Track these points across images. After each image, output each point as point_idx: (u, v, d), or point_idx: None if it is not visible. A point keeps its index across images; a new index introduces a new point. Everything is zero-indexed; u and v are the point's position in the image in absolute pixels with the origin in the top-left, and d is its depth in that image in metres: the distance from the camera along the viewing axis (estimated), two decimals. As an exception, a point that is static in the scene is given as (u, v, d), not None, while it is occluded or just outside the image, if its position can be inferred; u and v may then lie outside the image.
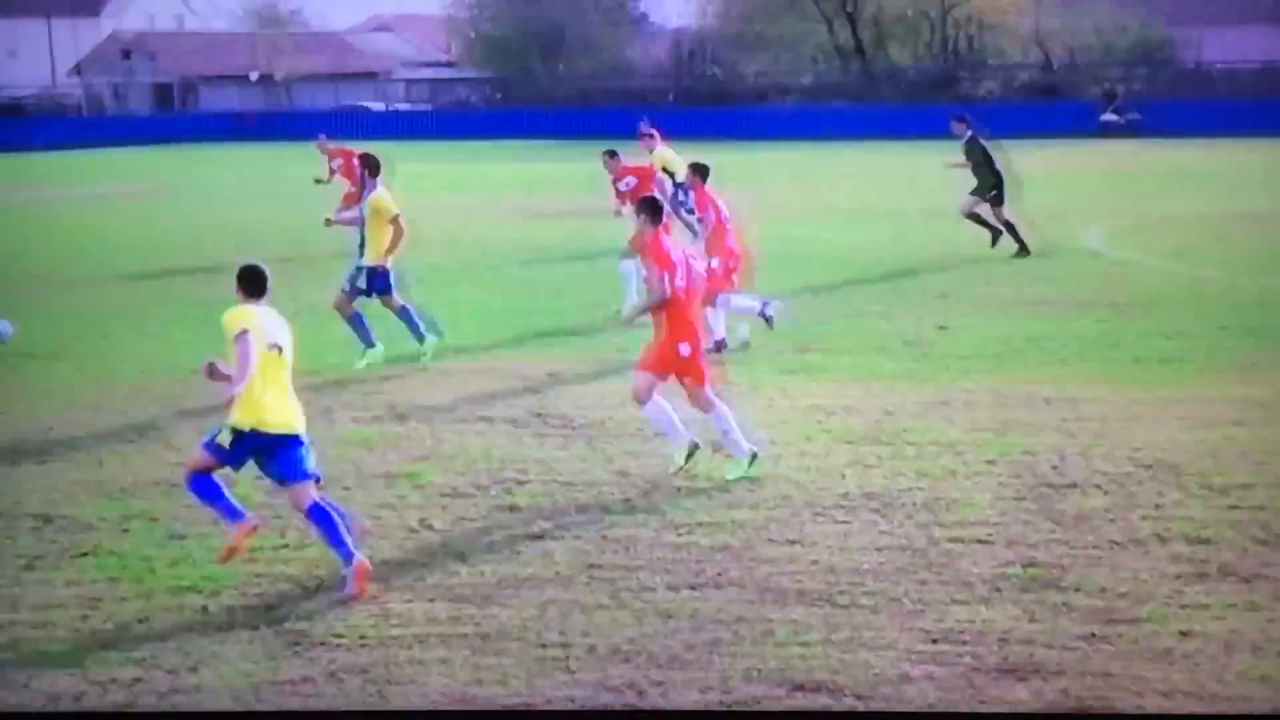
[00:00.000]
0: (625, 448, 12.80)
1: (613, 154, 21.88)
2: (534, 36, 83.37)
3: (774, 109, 76.18)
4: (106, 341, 18.46)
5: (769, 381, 15.48)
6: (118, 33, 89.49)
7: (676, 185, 28.15)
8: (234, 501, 9.71)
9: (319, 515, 9.50)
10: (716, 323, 16.74)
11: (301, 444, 9.54)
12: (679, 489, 11.64)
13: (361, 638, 8.78)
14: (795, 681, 8.16)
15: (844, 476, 11.90)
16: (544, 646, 8.65)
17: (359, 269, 16.59)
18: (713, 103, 75.91)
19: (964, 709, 7.90)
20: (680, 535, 10.56)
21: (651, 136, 23.52)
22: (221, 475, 9.70)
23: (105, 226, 33.55)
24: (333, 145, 29.17)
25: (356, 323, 16.57)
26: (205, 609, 9.27)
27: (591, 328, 18.83)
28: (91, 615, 9.19)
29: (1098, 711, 7.87)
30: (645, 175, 21.83)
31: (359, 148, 22.17)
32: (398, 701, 8.01)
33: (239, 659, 8.53)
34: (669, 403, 12.04)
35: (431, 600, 9.38)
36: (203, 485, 9.61)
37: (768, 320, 17.10)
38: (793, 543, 10.35)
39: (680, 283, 11.82)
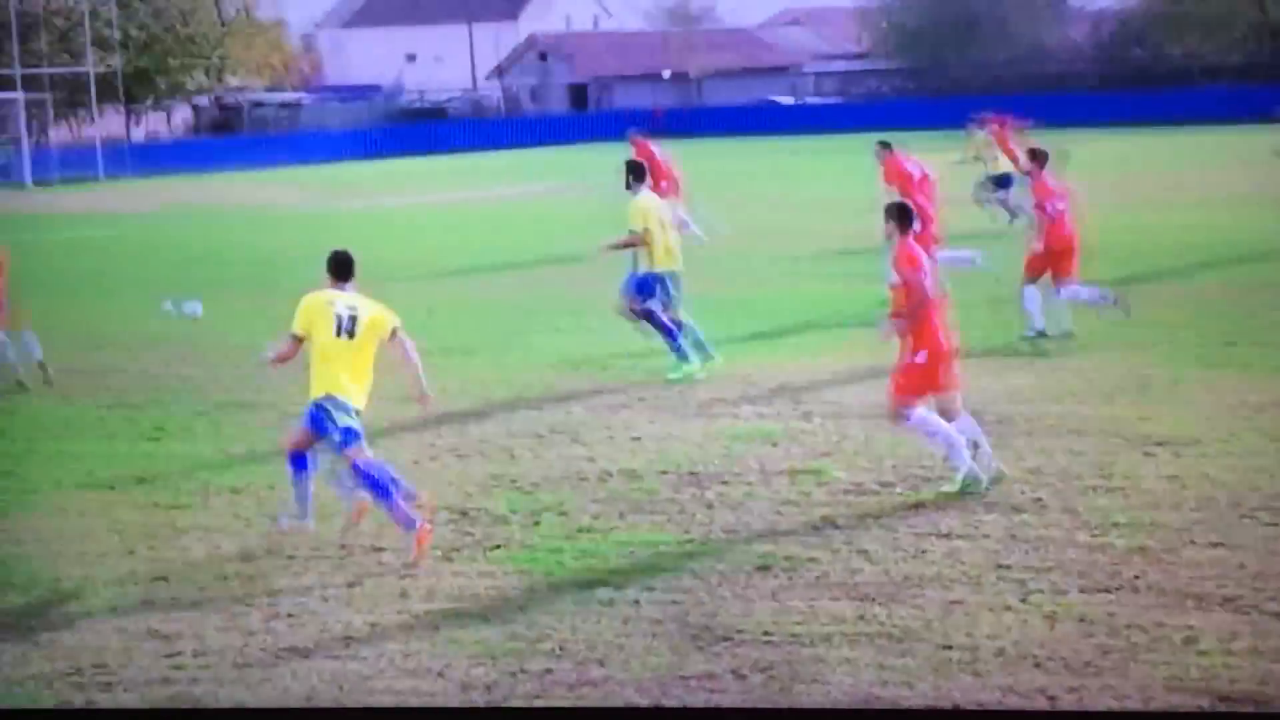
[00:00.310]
0: (1037, 444, 12.53)
1: (886, 145, 21.65)
2: (948, 25, 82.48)
3: (1201, 91, 73.08)
4: (520, 337, 19.08)
5: (1193, 377, 14.89)
6: (535, 35, 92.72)
7: (996, 177, 27.92)
8: (309, 495, 10.86)
9: (370, 479, 10.57)
10: (1034, 307, 16.87)
11: (353, 410, 10.69)
12: (1093, 488, 11.31)
13: (764, 634, 8.81)
14: (1220, 692, 7.84)
15: (1273, 477, 11.32)
16: (949, 648, 8.51)
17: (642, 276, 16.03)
18: (1135, 86, 73.41)
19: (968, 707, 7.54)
20: (1094, 536, 10.26)
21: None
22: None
23: (523, 222, 34.71)
24: (640, 139, 29.85)
25: (664, 332, 16.05)
26: (611, 602, 9.45)
27: (1003, 323, 18.46)
28: (509, 606, 9.46)
29: (1100, 710, 7.52)
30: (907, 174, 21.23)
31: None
32: (805, 701, 8.00)
33: (644, 653, 8.65)
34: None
35: (835, 599, 9.35)
36: (298, 463, 10.93)
37: (1123, 310, 16.88)
38: (1216, 545, 9.94)
39: (932, 288, 11.59)
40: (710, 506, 11.41)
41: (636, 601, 9.43)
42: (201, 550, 10.79)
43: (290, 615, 9.46)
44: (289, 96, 79.61)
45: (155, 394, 16.15)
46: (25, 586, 10.15)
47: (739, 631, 8.86)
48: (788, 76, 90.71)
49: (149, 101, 74.94)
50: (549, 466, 12.66)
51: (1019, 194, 25.88)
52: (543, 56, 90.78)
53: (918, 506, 11.11)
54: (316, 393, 10.72)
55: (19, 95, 56.84)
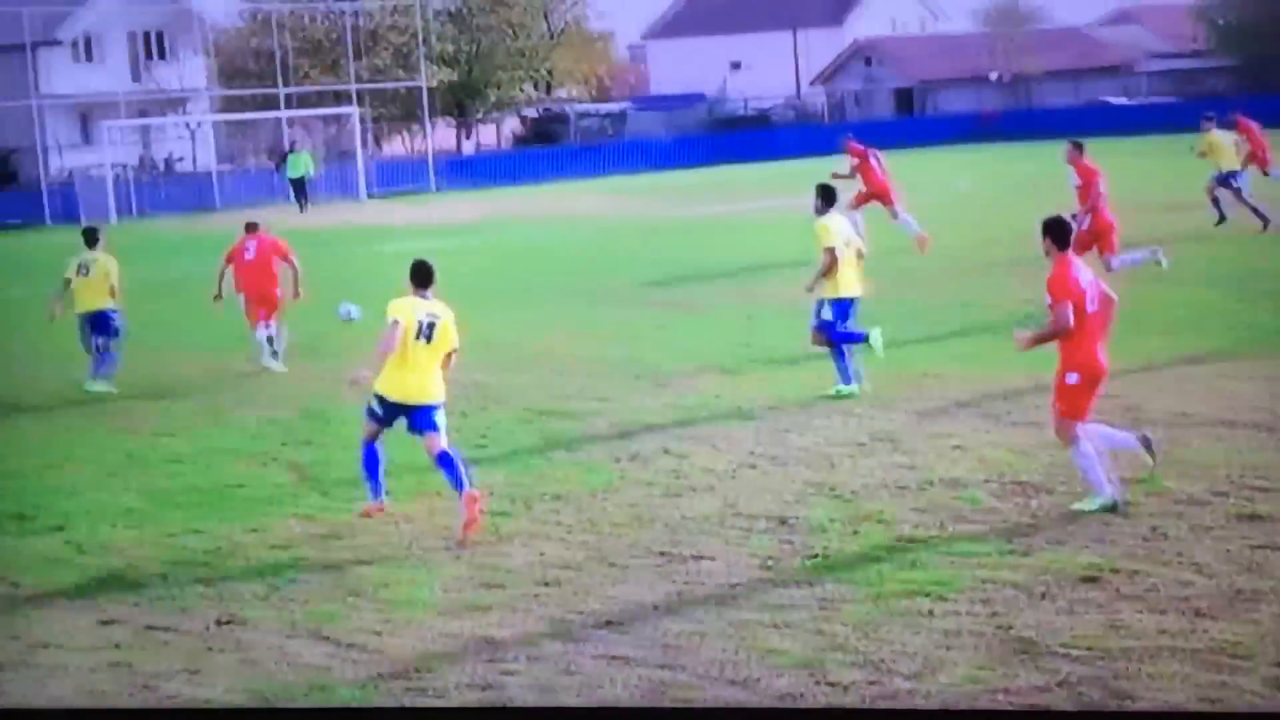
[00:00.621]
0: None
1: (1078, 146, 21.43)
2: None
3: None
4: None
5: None
6: (860, 40, 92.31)
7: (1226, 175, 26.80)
8: (381, 481, 12.08)
9: (444, 460, 11.83)
10: None
11: (434, 409, 11.98)
12: None
13: (1090, 648, 8.65)
14: None
15: None
16: (1284, 666, 8.22)
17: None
18: None
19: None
20: None
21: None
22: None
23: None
24: (854, 144, 29.75)
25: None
26: (931, 613, 9.38)
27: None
28: (829, 616, 9.48)
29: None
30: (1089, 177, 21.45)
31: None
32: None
33: (967, 665, 8.58)
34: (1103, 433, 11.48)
35: (1163, 612, 9.14)
36: (368, 454, 12.15)
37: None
38: None
39: (1091, 307, 11.34)
40: (1035, 516, 11.24)
41: (958, 613, 9.34)
42: (525, 557, 11.06)
43: (614, 623, 9.60)
44: (615, 107, 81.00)
45: (482, 402, 16.61)
46: (355, 590, 10.53)
47: (1064, 645, 8.71)
48: (1120, 76, 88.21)
49: (479, 114, 77.15)
50: (869, 475, 12.62)
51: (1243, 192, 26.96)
52: (868, 61, 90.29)
53: (1253, 518, 10.75)
54: (385, 388, 11.99)
55: (355, 110, 59.10)
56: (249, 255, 19.63)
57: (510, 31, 73.91)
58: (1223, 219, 26.97)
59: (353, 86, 60.38)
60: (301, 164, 50.55)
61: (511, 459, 14.00)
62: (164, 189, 55.19)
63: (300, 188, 50.10)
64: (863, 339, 16.10)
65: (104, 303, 18.61)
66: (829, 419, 14.85)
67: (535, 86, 79.75)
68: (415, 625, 9.75)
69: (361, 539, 11.71)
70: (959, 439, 13.59)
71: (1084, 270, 11.59)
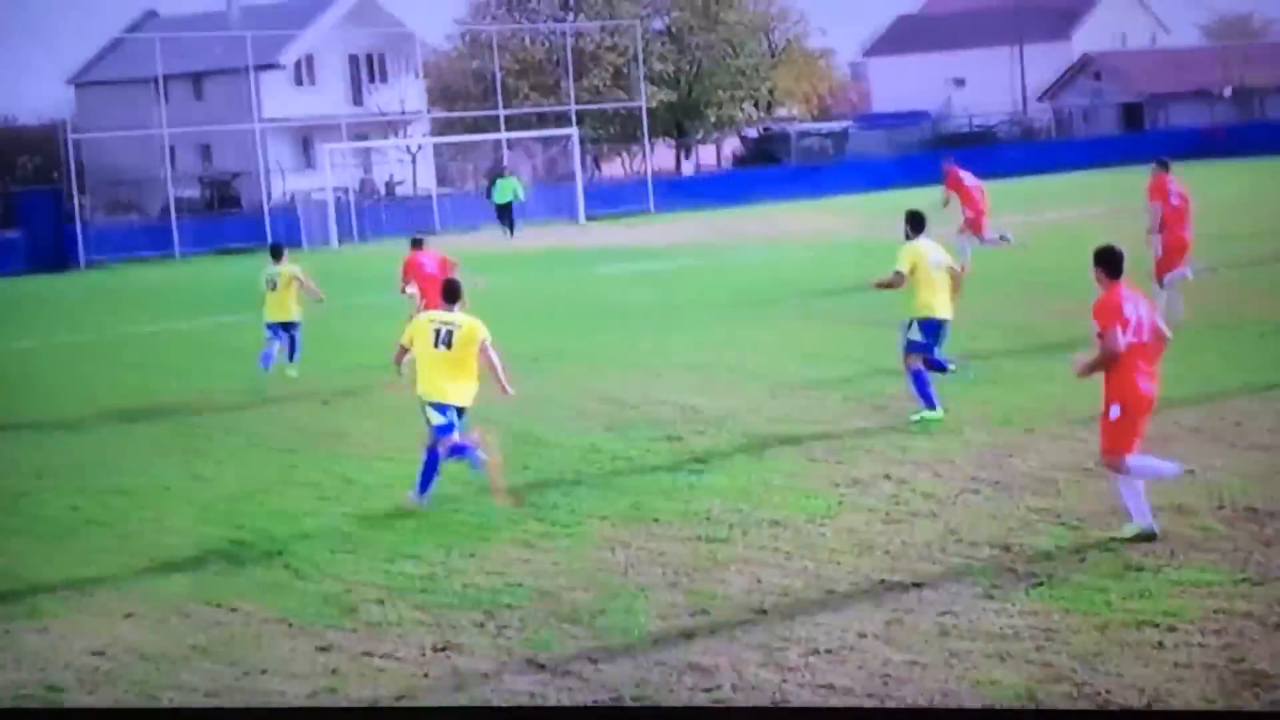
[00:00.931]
0: None
1: (1164, 165, 21.95)
2: None
3: None
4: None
5: None
6: (1089, 54, 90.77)
7: None
8: (431, 482, 13.82)
9: (457, 449, 13.85)
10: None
11: (448, 409, 13.87)
12: None
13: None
14: None
15: None
16: None
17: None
18: None
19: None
20: None
21: None
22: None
23: (1074, 245, 33.94)
24: (951, 168, 29.12)
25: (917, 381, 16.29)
26: (1160, 644, 9.21)
27: None
28: (1052, 647, 9.34)
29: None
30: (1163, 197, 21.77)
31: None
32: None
33: (1195, 697, 8.42)
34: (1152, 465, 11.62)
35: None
36: (429, 460, 13.89)
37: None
38: None
39: (1129, 337, 11.42)
40: (1268, 544, 10.97)
41: (1189, 644, 9.17)
42: (741, 583, 11.08)
43: (829, 651, 9.58)
44: (835, 125, 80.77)
45: (699, 425, 16.69)
46: (570, 617, 10.63)
47: (1298, 680, 8.47)
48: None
49: (698, 135, 77.53)
50: (1096, 500, 12.39)
51: None
52: (1096, 76, 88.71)
53: None
54: (425, 392, 13.95)
55: (573, 132, 59.76)
56: (428, 269, 21.45)
57: (729, 50, 74.11)
58: None
59: (571, 107, 61.13)
60: (509, 189, 51.19)
61: (728, 485, 14.03)
62: (384, 212, 56.36)
63: (507, 213, 50.77)
64: (946, 368, 16.51)
65: (288, 315, 21.39)
66: (1052, 442, 14.65)
67: (755, 106, 79.87)
68: (629, 653, 9.80)
69: (577, 565, 11.83)
70: (1188, 463, 13.27)
71: (1139, 302, 11.70)
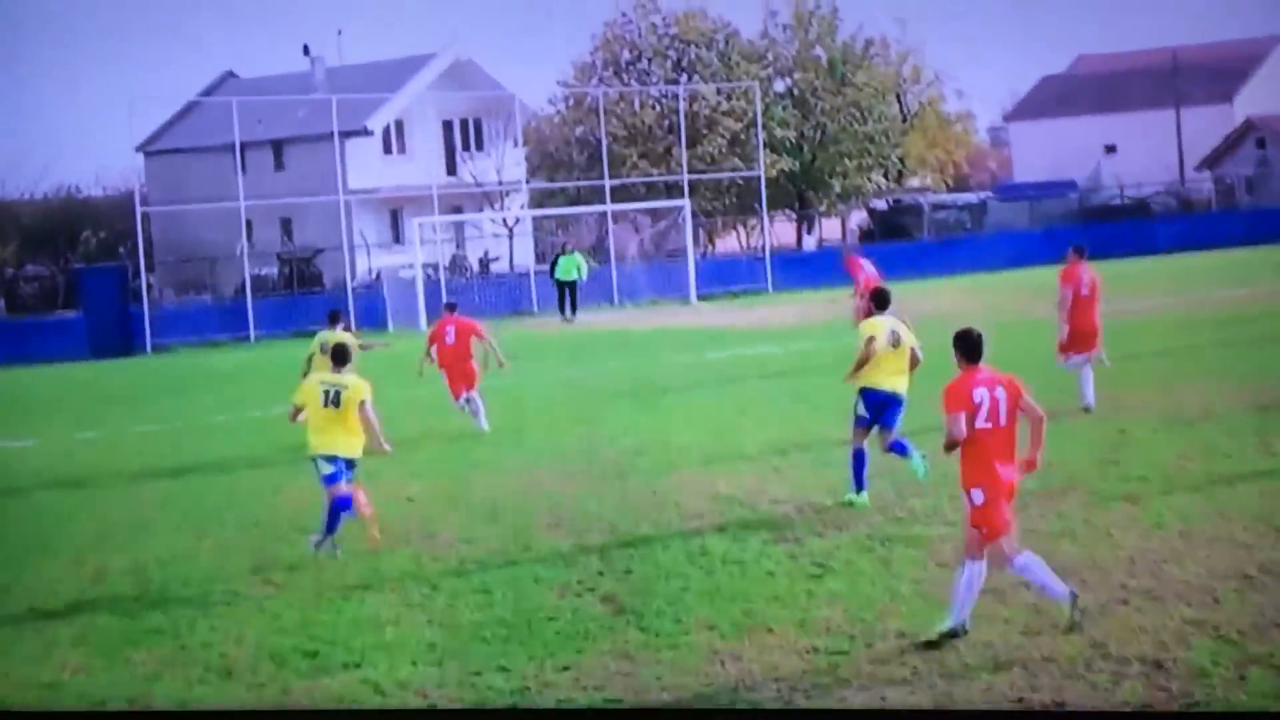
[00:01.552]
0: None
1: (1079, 251, 24.79)
2: None
3: None
4: (1232, 461, 18.56)
5: None
6: (1253, 119, 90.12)
7: None
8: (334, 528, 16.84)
9: (343, 501, 16.93)
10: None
11: (350, 461, 17.09)
12: None
13: None
14: None
15: None
16: None
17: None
18: None
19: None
20: None
21: None
22: None
23: (1234, 329, 33.67)
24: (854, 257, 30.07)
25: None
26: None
27: None
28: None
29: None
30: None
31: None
32: None
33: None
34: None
35: None
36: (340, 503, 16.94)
37: None
38: None
39: (984, 424, 12.42)
40: None
41: None
42: (863, 700, 11.05)
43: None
44: (973, 197, 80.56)
45: (819, 525, 16.68)
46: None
47: None
48: None
49: (822, 206, 77.58)
50: (1258, 612, 12.26)
51: None
52: (1260, 143, 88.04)
53: None
54: (316, 448, 17.10)
55: (686, 203, 60.04)
56: (449, 340, 25.74)
57: (858, 115, 74.16)
58: None
59: (684, 177, 61.51)
60: (572, 266, 51.42)
61: (851, 590, 14.01)
62: (477, 291, 56.81)
63: (570, 291, 51.00)
64: (905, 451, 18.07)
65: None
66: (1210, 547, 14.52)
67: (884, 175, 79.80)
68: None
69: (682, 679, 11.82)
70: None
71: (997, 387, 12.61)
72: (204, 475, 23.06)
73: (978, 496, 12.48)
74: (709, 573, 15.05)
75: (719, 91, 69.39)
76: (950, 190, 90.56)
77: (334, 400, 17.03)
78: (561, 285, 51.22)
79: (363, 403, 16.93)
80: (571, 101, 70.85)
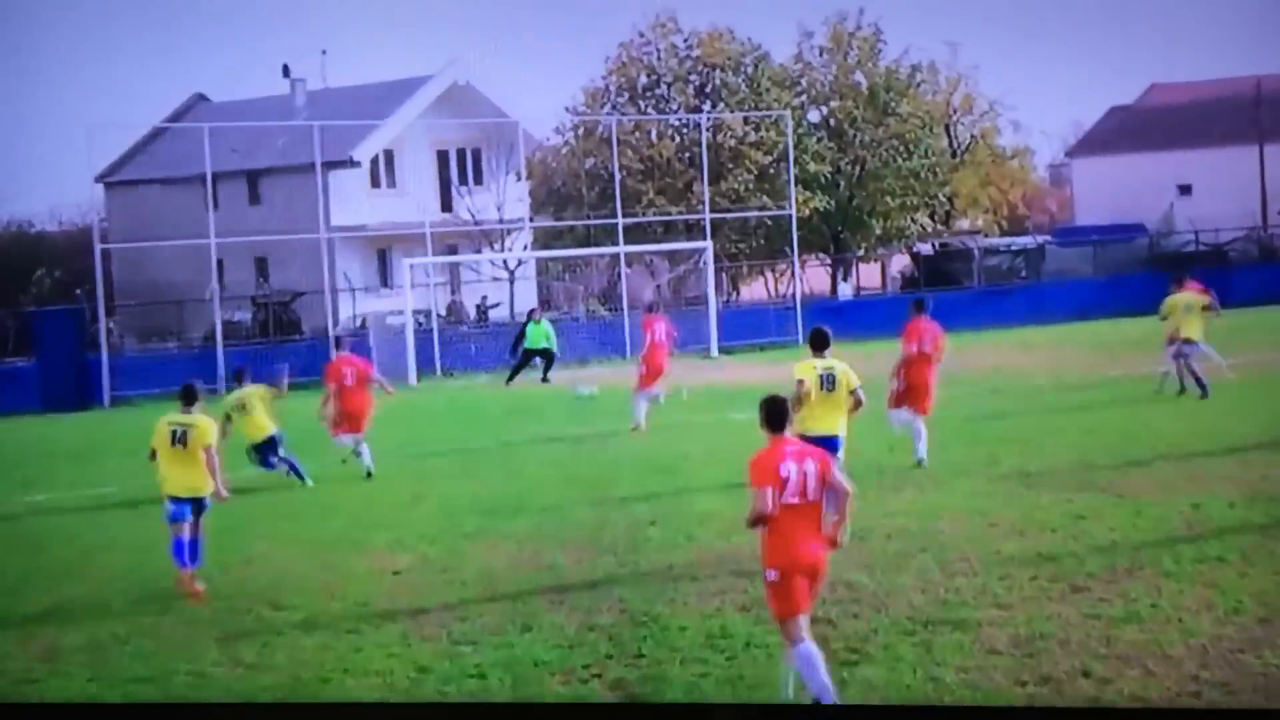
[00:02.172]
0: None
1: (919, 305, 27.82)
2: None
3: None
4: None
5: None
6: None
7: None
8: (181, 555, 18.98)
9: (178, 544, 19.26)
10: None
11: (182, 501, 19.20)
12: None
13: None
14: None
15: None
16: None
17: None
18: None
19: None
20: None
21: None
22: None
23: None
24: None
25: None
26: None
27: None
28: None
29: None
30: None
31: None
32: None
33: None
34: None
35: None
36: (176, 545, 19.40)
37: None
38: None
39: (791, 499, 13.12)
40: None
41: None
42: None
43: None
44: (1030, 240, 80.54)
45: (855, 607, 16.69)
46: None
47: None
48: None
49: (860, 250, 77.62)
50: (1349, 712, 12.29)
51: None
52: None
53: None
54: (167, 489, 19.18)
55: (708, 246, 60.03)
56: (349, 381, 28.77)
57: (901, 149, 73.99)
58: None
59: (706, 215, 61.60)
60: (541, 335, 50.93)
61: (891, 680, 14.06)
62: (474, 341, 56.84)
63: (545, 358, 50.40)
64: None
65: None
66: None
67: (931, 216, 79.86)
68: None
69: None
70: None
71: (807, 459, 13.35)
72: (166, 543, 23.07)
73: (772, 575, 13.22)
74: (730, 657, 15.07)
75: (746, 121, 69.42)
76: (1004, 234, 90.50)
77: (181, 440, 19.08)
78: (530, 353, 50.60)
79: (206, 446, 19.00)
80: (581, 130, 70.85)
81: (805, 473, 13.26)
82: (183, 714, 9.09)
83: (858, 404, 20.82)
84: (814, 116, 75.17)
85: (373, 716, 9.12)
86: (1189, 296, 34.69)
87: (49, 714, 9.37)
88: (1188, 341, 33.72)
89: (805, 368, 20.85)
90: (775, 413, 13.69)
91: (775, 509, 13.10)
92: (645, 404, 33.31)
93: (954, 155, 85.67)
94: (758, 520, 13.25)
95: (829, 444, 19.28)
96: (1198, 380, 33.08)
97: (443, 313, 64.02)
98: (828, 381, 20.66)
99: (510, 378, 48.97)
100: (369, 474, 28.11)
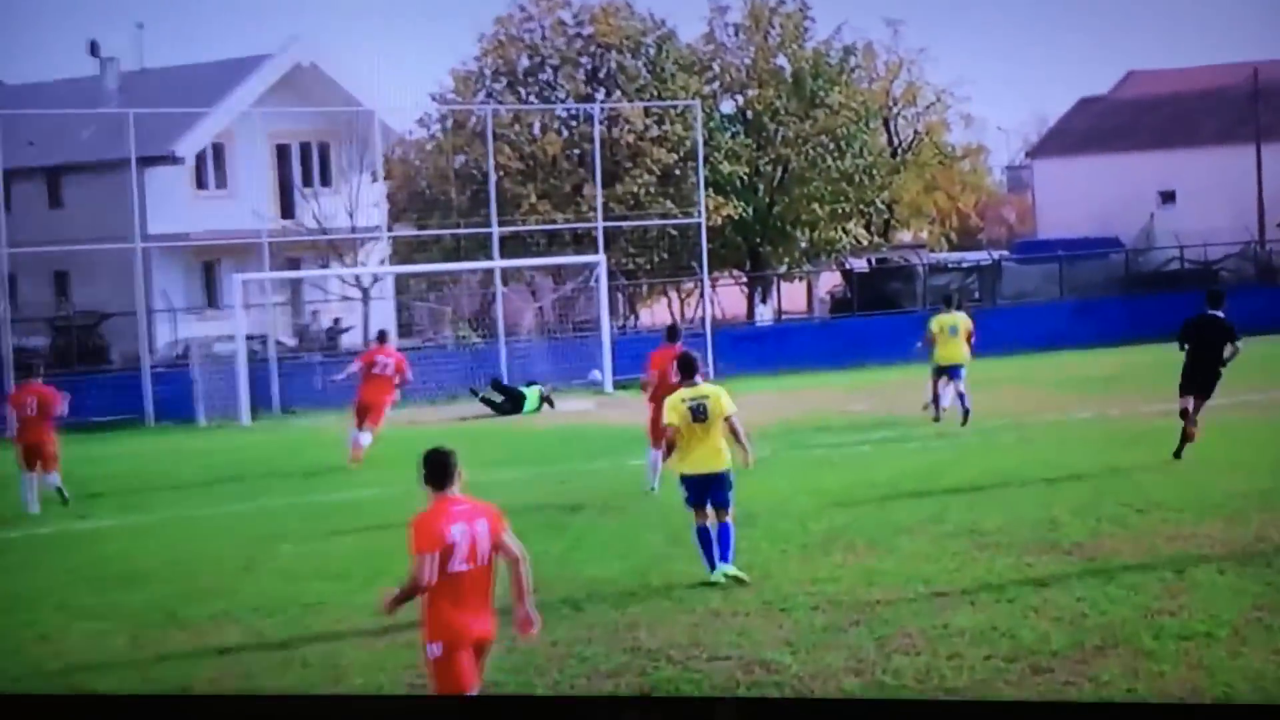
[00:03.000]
0: None
1: (670, 334, 30.85)
2: None
3: None
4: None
5: None
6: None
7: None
8: None
9: None
10: None
11: None
12: None
13: None
14: None
15: None
16: None
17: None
18: None
19: None
20: None
21: None
22: None
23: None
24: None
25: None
26: None
27: None
28: None
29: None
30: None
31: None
32: None
33: None
34: None
35: None
36: None
37: None
38: None
39: (460, 566, 13.72)
40: None
41: None
42: None
43: None
44: (984, 256, 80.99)
45: (771, 689, 16.70)
46: None
47: None
48: None
49: (782, 266, 77.57)
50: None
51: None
52: None
53: None
54: None
55: (600, 260, 59.83)
56: (30, 411, 30.95)
57: (832, 147, 73.89)
58: None
59: (599, 224, 61.28)
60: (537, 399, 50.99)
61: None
62: (320, 374, 56.44)
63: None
64: (725, 554, 21.92)
65: None
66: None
67: (867, 227, 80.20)
68: None
69: None
70: None
71: (477, 520, 13.88)
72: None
73: (435, 650, 13.85)
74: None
75: (648, 112, 69.37)
76: (954, 248, 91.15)
77: None
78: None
79: None
80: (450, 122, 70.71)
81: (475, 534, 13.74)
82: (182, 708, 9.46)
83: (735, 432, 21.84)
84: (728, 107, 75.26)
85: (373, 711, 9.51)
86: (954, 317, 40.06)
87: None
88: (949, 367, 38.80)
89: (672, 406, 21.95)
90: (438, 466, 14.03)
91: (435, 577, 13.54)
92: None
93: (894, 155, 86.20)
94: (416, 591, 13.72)
95: (715, 480, 21.61)
96: (946, 404, 39.13)
97: (285, 338, 63.58)
98: (699, 413, 21.66)
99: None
100: (65, 499, 31.20)
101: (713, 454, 21.66)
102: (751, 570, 22.46)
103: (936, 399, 39.56)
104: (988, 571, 21.92)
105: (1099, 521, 25.13)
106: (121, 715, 10.79)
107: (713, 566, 21.60)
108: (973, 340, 39.86)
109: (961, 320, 40.01)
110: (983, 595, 20.55)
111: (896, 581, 21.63)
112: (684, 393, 21.97)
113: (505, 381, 52.57)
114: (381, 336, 39.65)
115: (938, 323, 40.00)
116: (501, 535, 13.95)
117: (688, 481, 21.96)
